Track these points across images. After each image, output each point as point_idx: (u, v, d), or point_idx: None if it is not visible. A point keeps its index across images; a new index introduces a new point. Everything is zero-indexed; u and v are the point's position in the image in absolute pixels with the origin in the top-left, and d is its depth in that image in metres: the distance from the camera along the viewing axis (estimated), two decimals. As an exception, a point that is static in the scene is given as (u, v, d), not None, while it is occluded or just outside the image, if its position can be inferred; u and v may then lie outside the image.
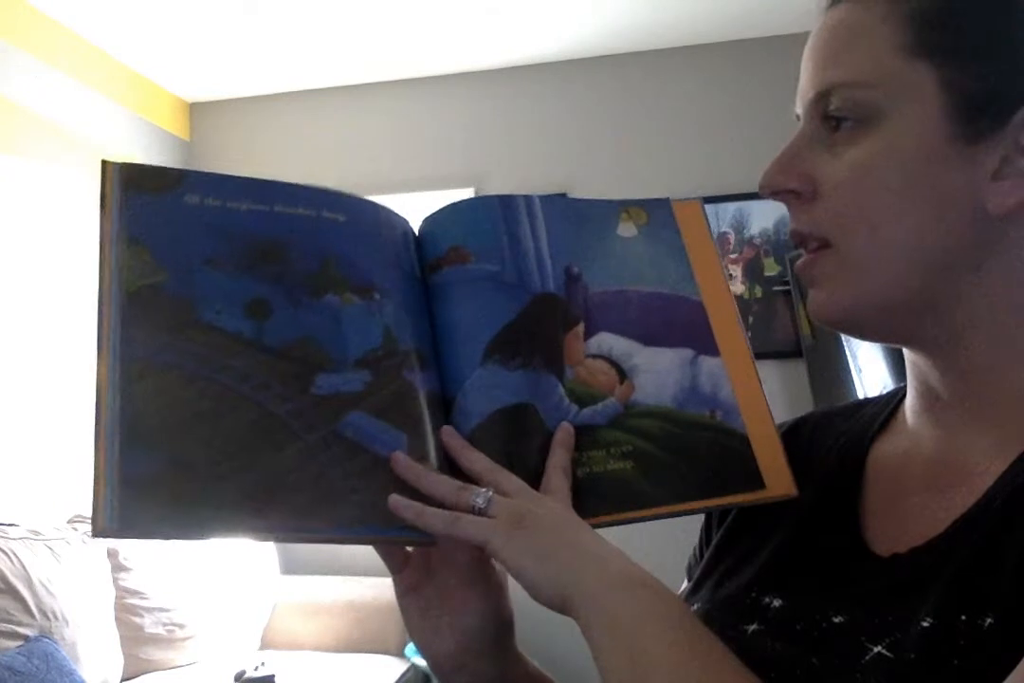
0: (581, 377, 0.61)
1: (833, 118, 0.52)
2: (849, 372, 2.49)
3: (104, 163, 0.56)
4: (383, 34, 3.02)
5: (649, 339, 0.63)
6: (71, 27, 2.88)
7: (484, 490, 0.52)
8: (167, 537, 0.49)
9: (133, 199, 0.55)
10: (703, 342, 0.63)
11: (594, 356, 0.62)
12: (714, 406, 0.60)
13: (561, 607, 0.48)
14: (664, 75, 3.24)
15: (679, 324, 0.64)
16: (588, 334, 0.62)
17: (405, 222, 0.64)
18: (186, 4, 2.74)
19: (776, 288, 3.06)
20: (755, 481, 0.58)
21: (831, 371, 2.62)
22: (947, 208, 0.49)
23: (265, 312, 0.55)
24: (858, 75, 0.51)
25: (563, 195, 3.14)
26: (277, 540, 0.53)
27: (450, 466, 0.56)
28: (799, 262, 0.54)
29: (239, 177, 0.59)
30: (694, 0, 2.86)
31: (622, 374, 0.61)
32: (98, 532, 0.47)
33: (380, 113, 3.44)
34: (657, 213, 0.67)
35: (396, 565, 0.58)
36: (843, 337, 2.52)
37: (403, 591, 0.58)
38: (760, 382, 0.62)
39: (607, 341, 0.62)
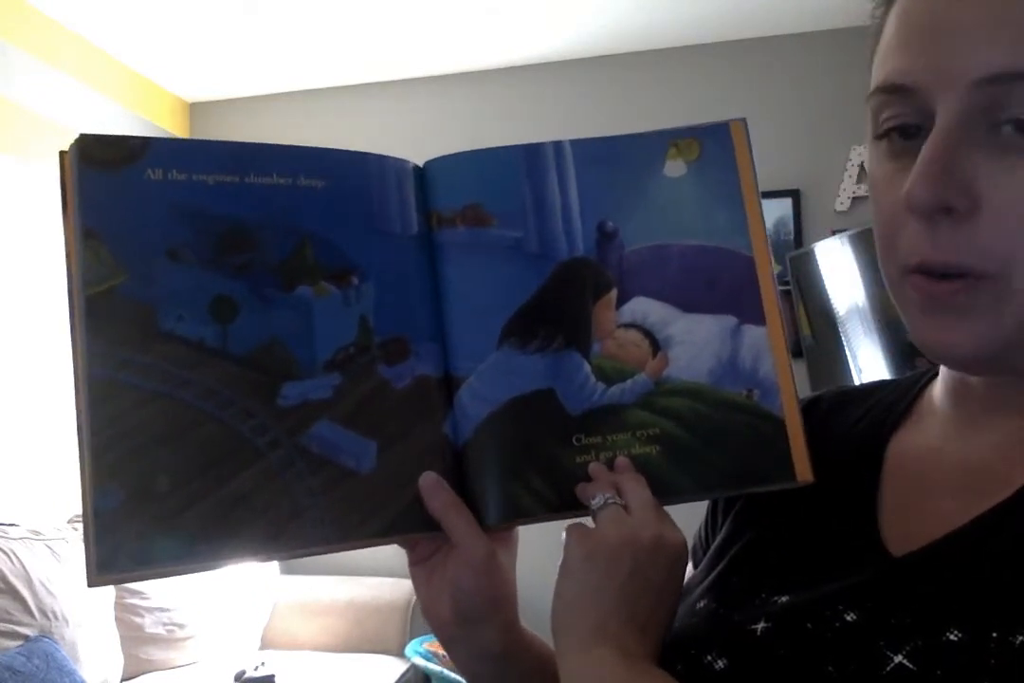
0: (610, 351, 0.57)
1: (1011, 120, 0.41)
2: (849, 372, 2.49)
3: (62, 154, 0.51)
4: (383, 34, 3.01)
5: (689, 304, 0.57)
6: (71, 27, 2.88)
7: (607, 495, 0.53)
8: (148, 577, 0.48)
9: (89, 178, 0.50)
10: (749, 308, 0.57)
11: (627, 326, 0.57)
12: (752, 384, 0.56)
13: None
14: (664, 75, 3.23)
15: (724, 285, 0.57)
16: (622, 300, 0.57)
17: (401, 167, 0.58)
18: (186, 4, 2.74)
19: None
20: (785, 471, 0.55)
21: (831, 371, 2.62)
22: None
23: (230, 313, 0.52)
24: None
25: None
26: (247, 563, 0.52)
27: (453, 462, 0.55)
28: (935, 287, 0.45)
29: (210, 141, 0.54)
30: (694, 0, 2.86)
31: (656, 345, 0.57)
32: (89, 582, 0.46)
33: (380, 113, 3.43)
34: (711, 144, 0.59)
35: (408, 543, 0.58)
36: (843, 337, 2.52)
37: (413, 561, 0.58)
38: (790, 355, 0.57)
39: (642, 307, 0.57)
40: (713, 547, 0.60)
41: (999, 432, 0.50)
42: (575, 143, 0.59)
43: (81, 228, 0.50)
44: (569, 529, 0.53)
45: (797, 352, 2.94)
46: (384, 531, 0.53)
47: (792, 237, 3.07)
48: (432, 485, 0.54)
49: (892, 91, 0.45)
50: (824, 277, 2.57)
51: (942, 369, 0.55)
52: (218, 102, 3.57)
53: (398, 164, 0.57)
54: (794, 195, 3.06)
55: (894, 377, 0.62)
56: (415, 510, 0.54)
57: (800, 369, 2.91)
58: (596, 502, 0.53)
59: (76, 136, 0.51)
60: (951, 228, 0.43)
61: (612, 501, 0.52)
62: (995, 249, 0.42)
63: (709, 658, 0.49)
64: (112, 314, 0.49)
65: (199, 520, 0.48)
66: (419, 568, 0.57)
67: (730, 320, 0.57)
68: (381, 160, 0.57)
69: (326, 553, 0.53)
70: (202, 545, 0.48)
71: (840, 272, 2.48)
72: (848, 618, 0.46)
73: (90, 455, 0.47)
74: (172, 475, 0.49)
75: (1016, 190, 0.41)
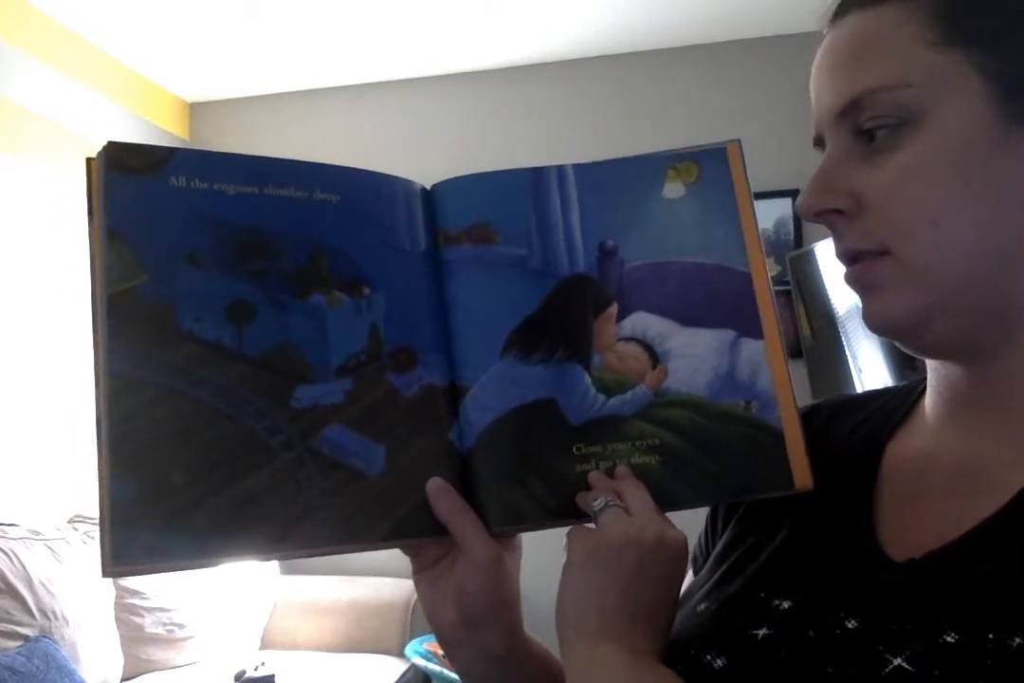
0: (610, 363, 0.58)
1: (867, 131, 0.49)
2: (849, 372, 2.49)
3: (89, 160, 0.53)
4: (383, 34, 3.02)
5: (688, 319, 0.59)
6: (71, 27, 2.88)
7: (608, 498, 0.53)
8: (160, 570, 0.48)
9: (115, 182, 0.52)
10: (746, 322, 0.59)
11: (627, 339, 0.59)
12: (750, 396, 0.57)
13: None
14: (664, 75, 3.24)
15: (722, 300, 0.59)
16: (622, 314, 0.59)
17: (410, 188, 0.60)
18: (186, 4, 2.74)
19: (776, 288, 3.05)
20: (784, 480, 0.56)
21: (831, 371, 2.62)
22: (1010, 196, 0.47)
23: (247, 316, 0.53)
24: (891, 77, 0.48)
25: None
26: (256, 560, 0.52)
27: (459, 468, 0.56)
28: (850, 270, 0.52)
29: (231, 154, 0.56)
30: (694, 0, 2.86)
31: (655, 358, 0.58)
32: (104, 572, 0.47)
33: (380, 113, 3.44)
34: (709, 166, 0.61)
35: (412, 550, 0.58)
36: (843, 337, 2.52)
37: (418, 569, 0.58)
38: (789, 367, 0.59)
39: (642, 322, 0.59)
40: (715, 552, 0.61)
41: (981, 429, 0.51)
42: (577, 167, 0.61)
43: (106, 228, 0.51)
44: (571, 531, 0.54)
45: (797, 352, 2.94)
46: (392, 534, 0.54)
47: (792, 237, 3.08)
48: (439, 489, 0.54)
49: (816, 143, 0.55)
50: (824, 277, 2.57)
51: (929, 373, 0.56)
52: (218, 102, 3.57)
53: (406, 185, 0.60)
54: (794, 195, 3.05)
55: (894, 379, 0.63)
56: (422, 514, 0.54)
57: (800, 369, 2.91)
58: (597, 504, 0.53)
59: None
60: (846, 224, 0.51)
61: (613, 503, 0.53)
62: (884, 230, 0.49)
63: (709, 657, 0.49)
64: (132, 313, 0.51)
65: (212, 516, 0.49)
66: (423, 575, 0.58)
67: (728, 334, 0.59)
68: (392, 180, 0.59)
69: (334, 554, 0.54)
70: (214, 541, 0.49)
71: (840, 272, 2.48)
72: (849, 625, 0.47)
73: (108, 447, 0.49)
74: (187, 470, 0.50)
75: (888, 181, 0.49)
